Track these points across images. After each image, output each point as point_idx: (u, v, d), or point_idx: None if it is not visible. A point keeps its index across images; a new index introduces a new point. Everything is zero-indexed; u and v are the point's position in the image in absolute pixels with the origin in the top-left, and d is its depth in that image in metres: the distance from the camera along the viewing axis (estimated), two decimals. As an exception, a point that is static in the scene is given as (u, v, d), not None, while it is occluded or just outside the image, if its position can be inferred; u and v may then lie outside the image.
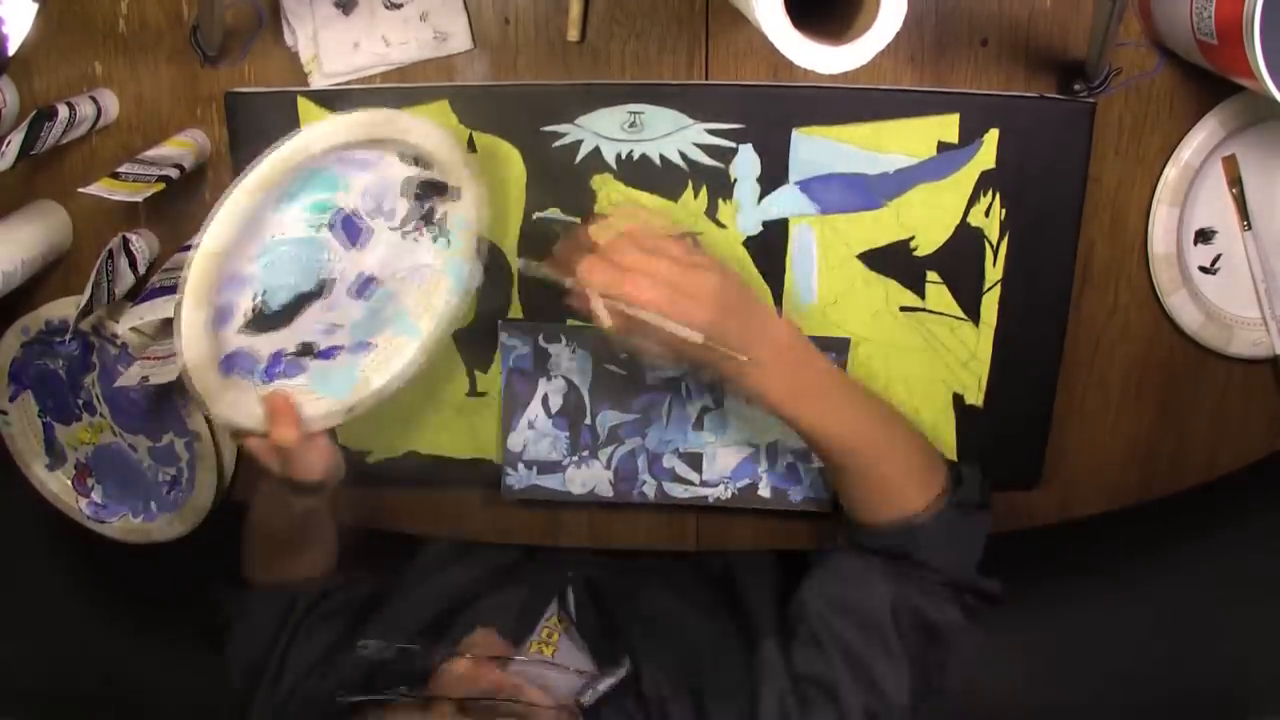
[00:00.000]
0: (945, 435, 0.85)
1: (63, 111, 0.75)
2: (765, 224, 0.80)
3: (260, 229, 0.66)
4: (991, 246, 0.80)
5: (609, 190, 0.80)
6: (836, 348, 0.83)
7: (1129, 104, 0.79)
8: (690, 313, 0.66)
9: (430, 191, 0.72)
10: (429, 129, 0.69)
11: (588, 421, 0.86)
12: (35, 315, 0.86)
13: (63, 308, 0.85)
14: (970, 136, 0.77)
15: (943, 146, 0.78)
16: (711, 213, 0.80)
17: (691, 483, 0.87)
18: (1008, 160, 0.78)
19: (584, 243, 0.70)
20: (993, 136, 0.77)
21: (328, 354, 0.74)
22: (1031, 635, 1.03)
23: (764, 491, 0.88)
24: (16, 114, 0.80)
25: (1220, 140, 0.79)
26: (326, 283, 0.71)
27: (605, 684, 0.66)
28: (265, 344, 0.71)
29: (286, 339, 0.72)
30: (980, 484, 0.78)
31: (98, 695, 0.99)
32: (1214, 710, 0.91)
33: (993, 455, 0.86)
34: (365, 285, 0.73)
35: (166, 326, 0.78)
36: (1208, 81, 0.77)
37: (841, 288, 0.82)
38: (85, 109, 0.77)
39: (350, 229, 0.70)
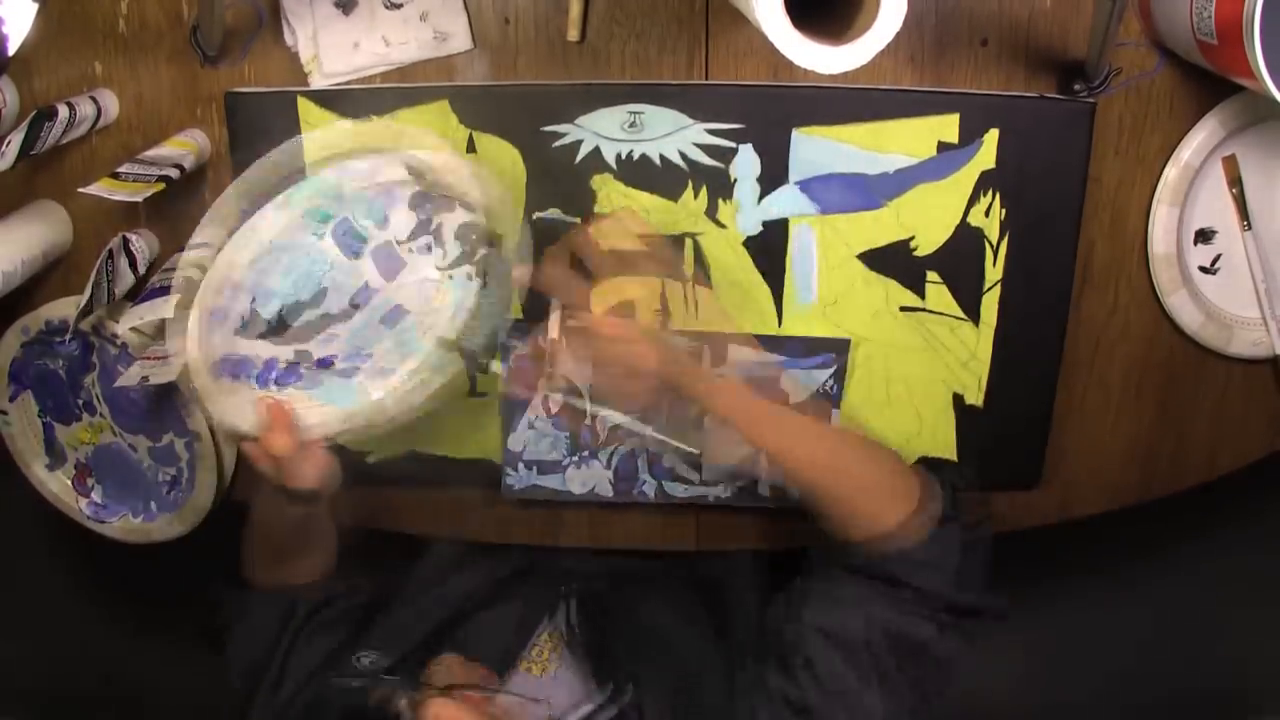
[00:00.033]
0: (945, 435, 0.85)
1: (63, 111, 0.75)
2: (765, 224, 0.80)
3: (260, 234, 0.66)
4: (991, 246, 0.80)
5: (609, 190, 0.79)
6: (836, 348, 0.83)
7: (1129, 104, 0.79)
8: (634, 393, 0.70)
9: (433, 204, 0.72)
10: (432, 141, 0.69)
11: (588, 421, 0.86)
12: (35, 315, 0.86)
13: (63, 308, 0.85)
14: (970, 136, 0.77)
15: (943, 146, 0.78)
16: (711, 213, 0.80)
17: (691, 482, 0.87)
18: (1008, 160, 0.78)
19: (569, 246, 0.70)
20: (993, 136, 0.77)
21: (324, 363, 0.74)
22: (1031, 635, 1.03)
23: (763, 490, 0.88)
24: (16, 114, 0.80)
25: (1220, 140, 0.79)
26: (324, 291, 0.71)
27: (578, 715, 0.66)
28: (261, 350, 0.70)
29: (282, 346, 0.71)
30: (950, 499, 0.77)
31: (98, 695, 0.99)
32: (1214, 710, 0.92)
33: (993, 455, 0.86)
34: (364, 295, 0.73)
35: (166, 326, 0.78)
36: (1208, 81, 0.77)
37: (841, 288, 0.82)
38: (85, 109, 0.77)
39: (350, 238, 0.70)
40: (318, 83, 0.79)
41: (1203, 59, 0.72)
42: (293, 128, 0.78)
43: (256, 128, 0.78)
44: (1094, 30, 0.73)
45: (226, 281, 0.66)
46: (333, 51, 0.78)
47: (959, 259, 0.80)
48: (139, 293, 0.80)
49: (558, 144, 0.78)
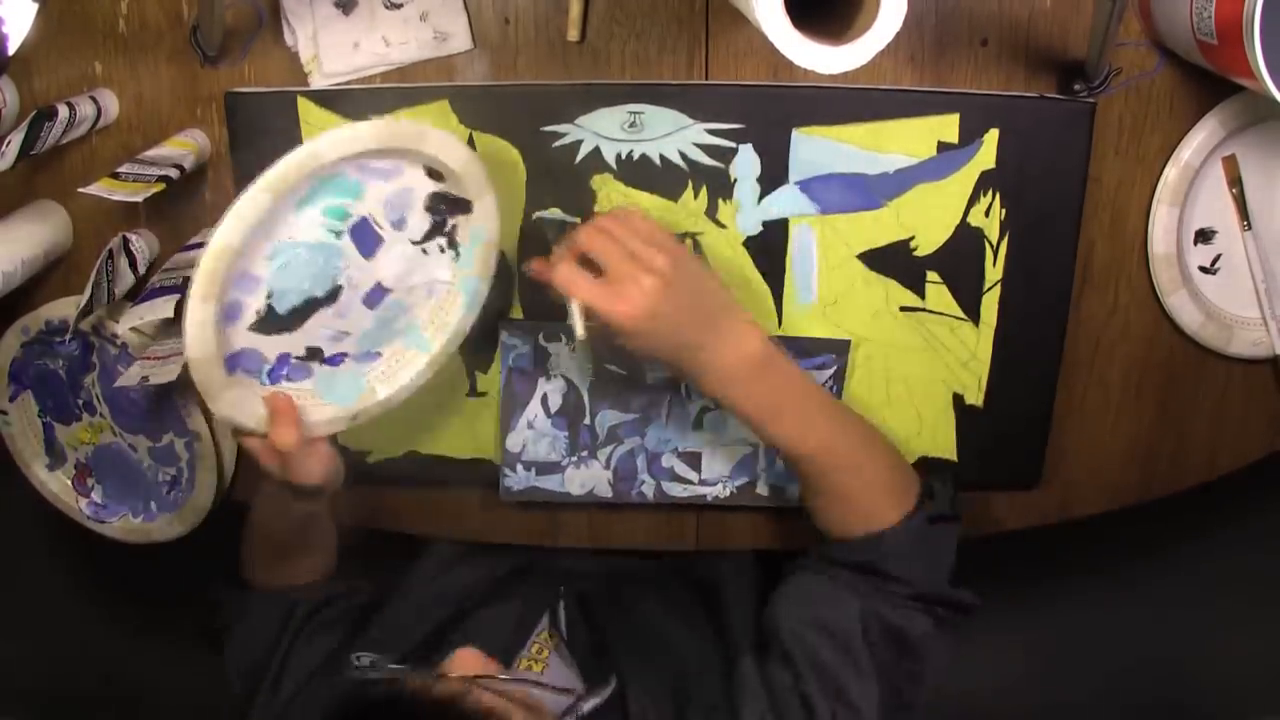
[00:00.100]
0: (945, 435, 0.85)
1: (63, 111, 0.75)
2: (765, 224, 0.80)
3: (276, 230, 0.66)
4: (991, 246, 0.80)
5: (609, 190, 0.79)
6: (836, 348, 0.83)
7: (1129, 104, 0.79)
8: (617, 309, 0.66)
9: (450, 206, 0.72)
10: (453, 144, 0.69)
11: (587, 421, 0.86)
12: (35, 315, 0.86)
13: (63, 308, 0.85)
14: (970, 136, 0.77)
15: (943, 146, 0.78)
16: (711, 213, 0.80)
17: (690, 482, 0.87)
18: (1008, 160, 0.78)
19: (576, 246, 0.70)
20: (993, 136, 0.77)
21: (334, 360, 0.74)
22: (1031, 635, 1.03)
23: (762, 490, 0.88)
24: (16, 114, 0.80)
25: (1220, 140, 0.79)
26: (338, 289, 0.71)
27: (589, 704, 0.66)
28: (272, 345, 0.71)
29: (294, 342, 0.72)
30: (951, 497, 0.77)
31: (98, 695, 0.99)
32: (1214, 710, 0.92)
33: (993, 455, 0.86)
34: (377, 295, 0.73)
35: (167, 326, 0.79)
36: (1208, 81, 0.77)
37: (841, 288, 0.82)
38: (85, 109, 0.77)
39: (367, 237, 0.71)
40: (318, 83, 0.79)
41: (1203, 59, 0.72)
42: (293, 128, 0.78)
43: (256, 128, 0.78)
44: (1094, 30, 0.73)
45: (245, 276, 0.66)
46: (333, 51, 0.78)
47: (959, 259, 0.80)
48: (139, 293, 0.80)
49: (558, 144, 0.78)
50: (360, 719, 0.58)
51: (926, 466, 0.85)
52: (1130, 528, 0.94)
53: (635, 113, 0.78)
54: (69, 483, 0.93)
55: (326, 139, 0.64)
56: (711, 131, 0.78)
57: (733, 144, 0.78)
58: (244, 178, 0.78)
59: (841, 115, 0.77)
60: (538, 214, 0.80)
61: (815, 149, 0.78)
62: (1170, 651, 0.97)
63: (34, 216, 0.82)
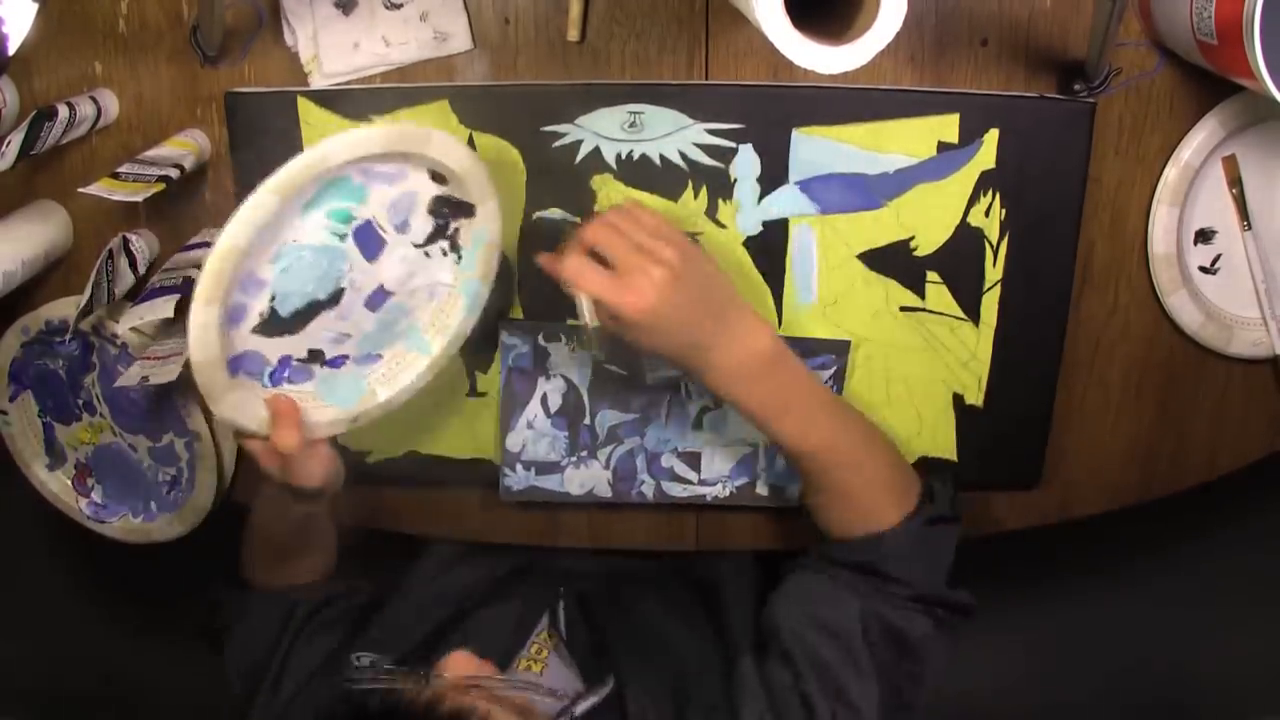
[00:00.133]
0: (945, 435, 0.85)
1: (63, 111, 0.75)
2: (765, 224, 0.80)
3: (281, 233, 0.66)
4: (991, 246, 0.80)
5: (609, 190, 0.80)
6: (836, 349, 0.83)
7: (1129, 104, 0.79)
8: (625, 300, 0.66)
9: (453, 210, 0.72)
10: (457, 148, 0.69)
11: (586, 421, 0.86)
12: (35, 315, 0.86)
13: (63, 308, 0.85)
14: (970, 136, 0.77)
15: (943, 146, 0.78)
16: (711, 213, 0.80)
17: (690, 482, 0.87)
18: (1008, 160, 0.78)
19: (583, 242, 0.70)
20: (993, 136, 0.77)
21: (335, 362, 0.74)
22: (1031, 635, 1.03)
23: (762, 490, 0.88)
24: (16, 114, 0.80)
25: (1220, 140, 0.79)
26: (341, 292, 0.71)
27: (585, 705, 0.66)
28: (274, 348, 0.71)
29: (296, 344, 0.72)
30: (951, 498, 0.77)
31: (98, 695, 1.00)
32: (1213, 710, 0.92)
33: (993, 455, 0.86)
34: (379, 297, 0.73)
35: (167, 326, 0.79)
36: (1208, 81, 0.77)
37: (841, 288, 0.82)
38: (85, 109, 0.77)
39: (370, 240, 0.71)
40: (318, 83, 0.79)
41: (1203, 59, 0.72)
42: (293, 128, 0.78)
43: (256, 128, 0.78)
44: (1094, 30, 0.73)
45: (249, 279, 0.66)
46: (333, 51, 0.78)
47: (959, 259, 0.80)
48: (139, 293, 0.80)
49: (558, 144, 0.78)
50: None
51: (926, 466, 0.85)
52: (1130, 528, 0.94)
53: (635, 113, 0.78)
54: (69, 483, 0.93)
55: (335, 142, 0.64)
56: (711, 131, 0.78)
57: (733, 144, 0.78)
58: (244, 178, 0.79)
59: (841, 115, 0.77)
60: (538, 214, 0.80)
61: (815, 149, 0.78)
62: (1170, 651, 0.97)
63: (34, 216, 0.82)
